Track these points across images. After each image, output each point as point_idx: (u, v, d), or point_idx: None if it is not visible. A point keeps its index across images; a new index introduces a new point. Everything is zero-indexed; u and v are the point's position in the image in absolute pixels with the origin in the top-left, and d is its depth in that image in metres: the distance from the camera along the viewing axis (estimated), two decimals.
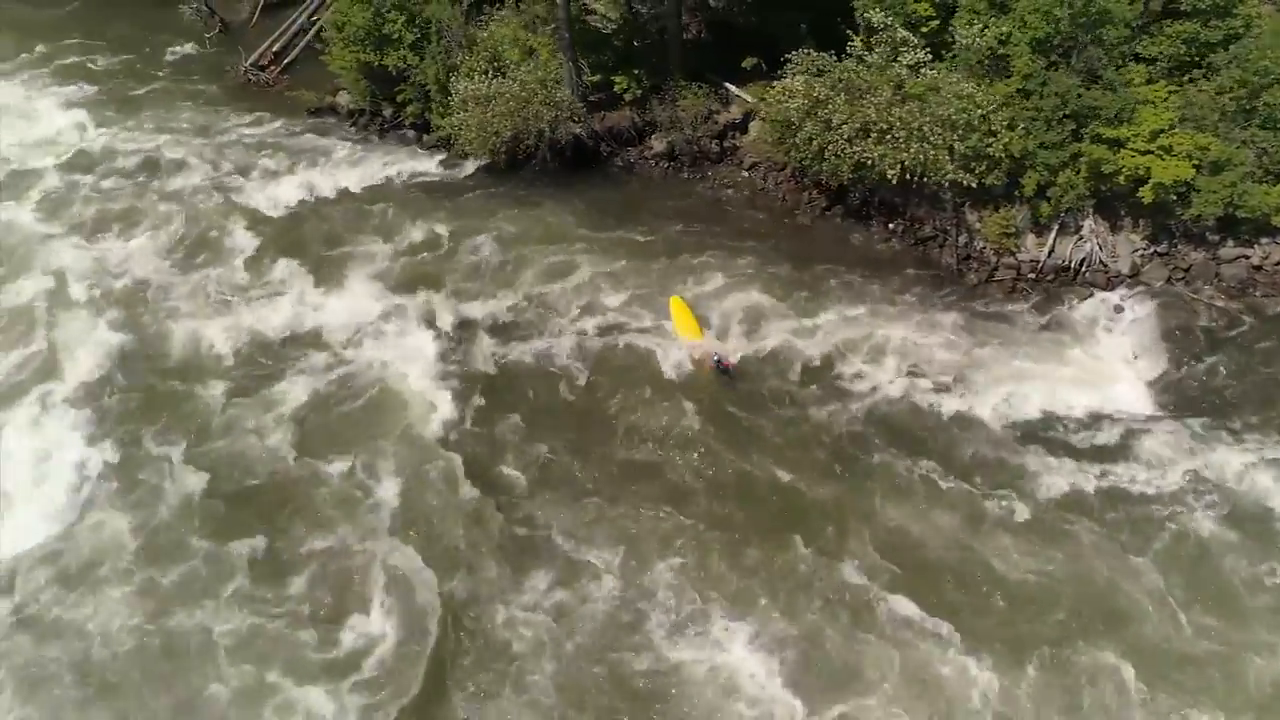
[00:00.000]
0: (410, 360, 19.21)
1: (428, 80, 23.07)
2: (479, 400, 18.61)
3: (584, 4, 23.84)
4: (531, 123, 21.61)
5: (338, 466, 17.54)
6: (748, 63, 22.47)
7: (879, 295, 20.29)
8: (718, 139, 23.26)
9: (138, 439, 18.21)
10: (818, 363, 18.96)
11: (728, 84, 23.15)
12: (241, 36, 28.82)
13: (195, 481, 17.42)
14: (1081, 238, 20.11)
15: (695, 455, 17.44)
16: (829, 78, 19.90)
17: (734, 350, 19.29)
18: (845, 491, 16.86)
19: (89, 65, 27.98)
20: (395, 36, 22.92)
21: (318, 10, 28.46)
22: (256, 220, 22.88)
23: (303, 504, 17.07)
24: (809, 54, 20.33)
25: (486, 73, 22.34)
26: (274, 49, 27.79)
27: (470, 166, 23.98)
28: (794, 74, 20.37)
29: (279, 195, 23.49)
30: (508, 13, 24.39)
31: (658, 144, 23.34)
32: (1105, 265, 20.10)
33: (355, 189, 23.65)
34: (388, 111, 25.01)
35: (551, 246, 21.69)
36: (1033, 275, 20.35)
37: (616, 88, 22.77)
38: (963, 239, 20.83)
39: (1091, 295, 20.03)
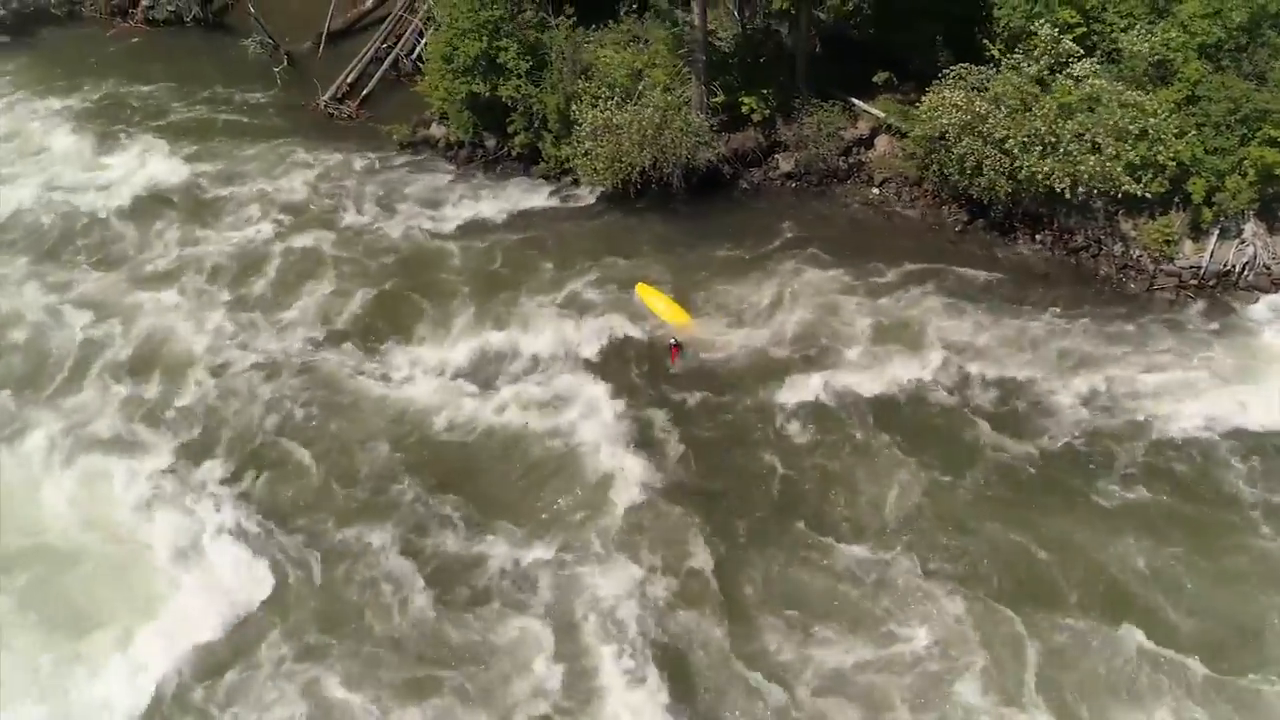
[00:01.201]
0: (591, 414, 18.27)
1: (546, 110, 22.14)
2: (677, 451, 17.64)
3: (692, 22, 23.06)
4: (670, 150, 20.87)
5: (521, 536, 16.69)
6: (879, 77, 21.97)
7: (1044, 309, 19.92)
8: (843, 155, 22.75)
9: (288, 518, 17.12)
10: (1003, 384, 18.41)
11: (853, 99, 22.64)
12: (310, 69, 27.37)
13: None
14: (1244, 241, 19.99)
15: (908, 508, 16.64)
16: (990, 91, 19.49)
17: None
18: (1087, 539, 16.04)
19: (157, 105, 26.30)
20: (509, 66, 21.98)
21: (388, 38, 27.29)
22: (379, 262, 21.62)
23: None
24: (966, 68, 19.92)
25: (610, 99, 21.60)
26: (349, 80, 26.56)
27: (588, 197, 23.05)
28: (947, 88, 19.94)
29: (391, 236, 22.32)
30: (614, 35, 23.62)
31: (785, 163, 22.72)
32: (1268, 268, 20.04)
33: (471, 225, 22.62)
34: (491, 142, 23.93)
35: (695, 276, 20.84)
36: (1194, 282, 20.24)
37: (743, 108, 22.09)
38: (1118, 248, 20.63)
39: (1258, 300, 19.96)
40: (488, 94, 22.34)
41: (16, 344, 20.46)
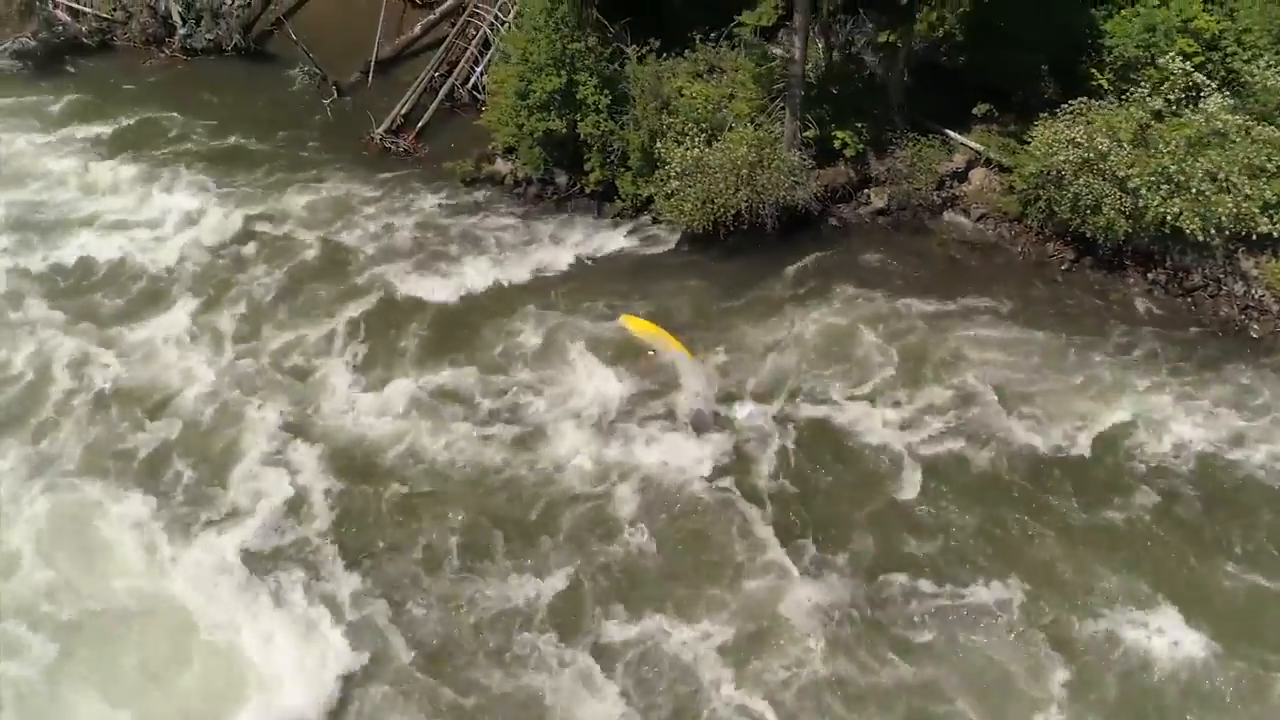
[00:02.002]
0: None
1: (629, 147, 21.00)
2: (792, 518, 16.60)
3: (770, 50, 21.97)
4: (767, 190, 19.79)
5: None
6: (979, 109, 20.94)
7: (1166, 356, 18.89)
8: (936, 189, 21.75)
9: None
10: (1127, 436, 17.44)
11: (948, 131, 21.63)
12: (360, 99, 26.07)
13: None
14: None
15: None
16: (1104, 123, 18.50)
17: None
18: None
19: (201, 142, 24.86)
20: (589, 102, 20.82)
21: (441, 67, 26.07)
22: (465, 314, 20.38)
23: None
24: (1084, 103, 18.92)
25: (697, 135, 20.47)
26: (403, 112, 25.34)
27: (670, 237, 21.77)
28: (1063, 123, 18.93)
29: (468, 279, 20.92)
30: (689, 64, 22.47)
31: (876, 199, 21.67)
32: None
33: (554, 269, 21.32)
34: (561, 179, 22.78)
35: (795, 317, 19.79)
36: None
37: (835, 143, 21.04)
38: (1239, 287, 19.67)
39: None
40: (565, 131, 21.30)
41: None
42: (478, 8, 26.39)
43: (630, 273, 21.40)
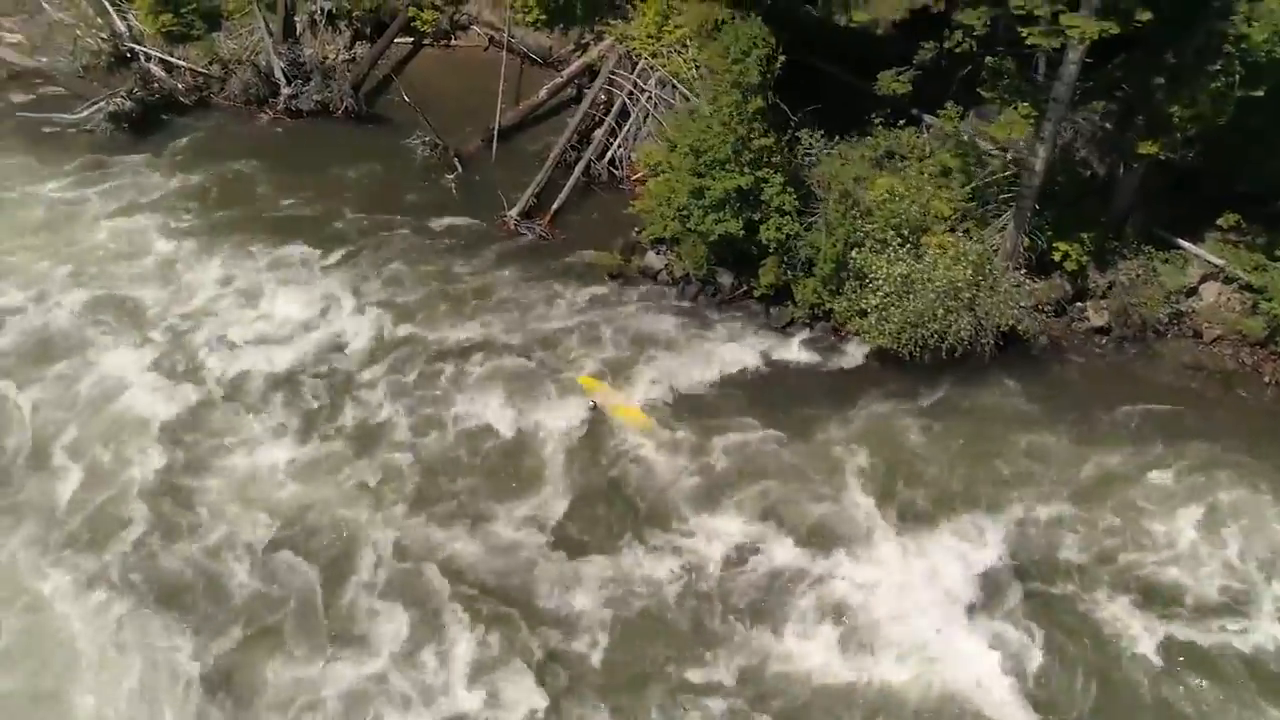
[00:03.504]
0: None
1: (818, 254, 18.46)
2: None
3: (978, 143, 19.38)
4: (991, 316, 17.29)
5: None
6: (1226, 220, 18.25)
7: None
8: (1164, 305, 19.16)
9: None
10: None
11: (1182, 241, 19.03)
12: (483, 172, 23.45)
13: None
14: None
15: None
16: None
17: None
18: None
19: (315, 219, 22.37)
20: (773, 203, 18.37)
21: (579, 143, 23.56)
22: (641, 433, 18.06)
23: None
24: None
25: (899, 244, 18.01)
26: (536, 192, 22.94)
27: (854, 352, 19.25)
28: None
29: (635, 388, 18.72)
30: (863, 149, 19.86)
31: (1095, 315, 19.06)
32: None
33: (722, 379, 18.91)
34: (726, 280, 20.27)
35: (1012, 464, 17.34)
36: None
37: (1056, 255, 18.49)
38: None
39: None
40: (741, 233, 18.87)
41: None
42: (614, 73, 23.86)
43: (817, 392, 18.85)
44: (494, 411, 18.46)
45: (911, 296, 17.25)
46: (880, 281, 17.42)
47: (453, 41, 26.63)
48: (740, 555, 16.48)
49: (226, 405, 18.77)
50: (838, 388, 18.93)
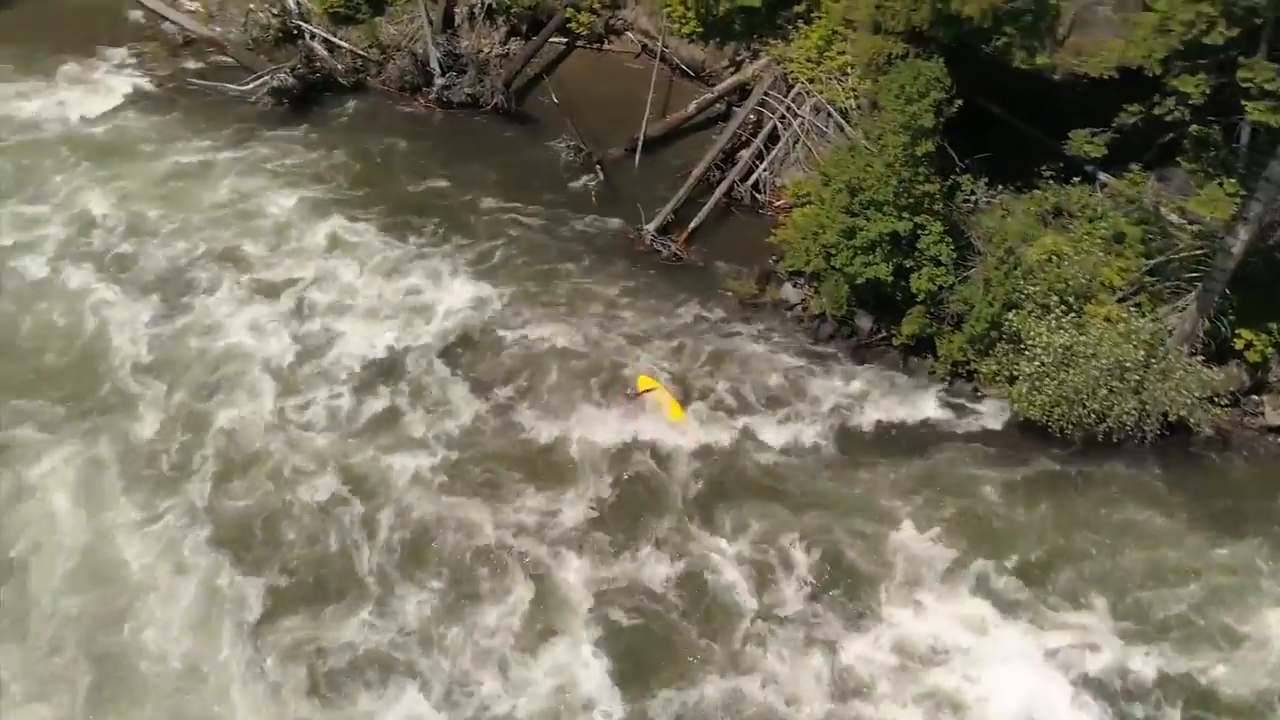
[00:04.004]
0: None
1: (971, 311, 17.42)
2: None
3: (1162, 213, 17.97)
4: (1159, 403, 16.05)
5: None
6: None
7: None
8: None
9: None
10: None
11: None
12: (624, 181, 23.16)
13: None
14: None
15: None
16: None
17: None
18: None
19: (456, 210, 22.32)
20: (929, 252, 17.51)
21: (723, 163, 22.96)
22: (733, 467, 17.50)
23: None
24: None
25: (1062, 312, 16.82)
26: (675, 209, 22.50)
27: (993, 417, 18.11)
28: None
29: (756, 428, 17.97)
30: (1029, 203, 18.64)
31: (1273, 412, 17.46)
32: None
33: (850, 430, 18.11)
34: (865, 323, 19.37)
35: (1152, 557, 16.00)
36: None
37: (1236, 342, 17.02)
38: None
39: None
40: (890, 279, 18.05)
41: None
42: (768, 95, 23.18)
43: (948, 453, 17.81)
44: (586, 423, 18.14)
45: (1071, 370, 16.05)
46: (1038, 350, 16.28)
47: (605, 46, 26.56)
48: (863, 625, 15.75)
49: (313, 365, 19.24)
50: (971, 452, 17.84)
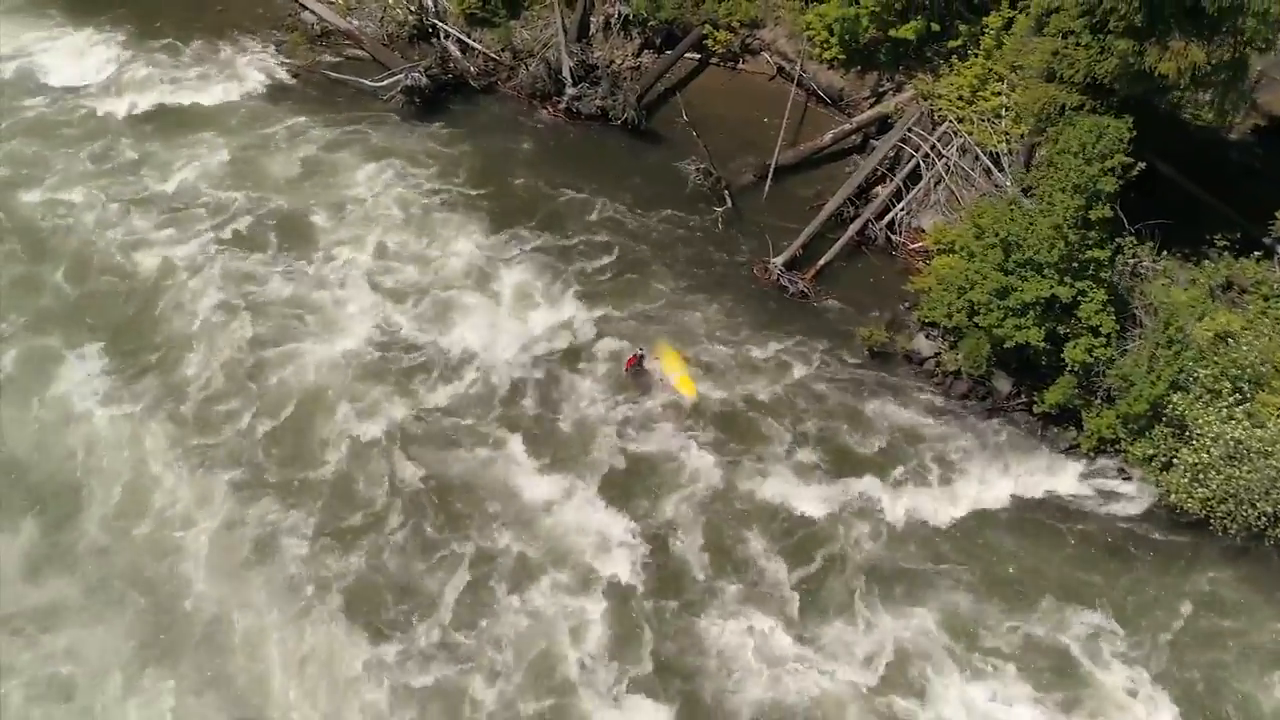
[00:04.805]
0: None
1: (1134, 390, 16.02)
2: None
3: None
4: None
5: None
6: None
7: None
8: None
9: None
10: None
11: None
12: (752, 208, 22.43)
13: None
14: None
15: None
16: None
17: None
18: None
19: (562, 215, 22.09)
20: (1088, 320, 16.30)
21: (856, 198, 21.97)
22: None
23: None
24: None
25: (1234, 400, 15.49)
26: (803, 244, 21.66)
27: (1137, 496, 16.91)
28: None
29: (875, 492, 17.18)
30: (1197, 274, 17.34)
31: None
32: None
33: (980, 500, 17.13)
34: (1003, 385, 18.29)
35: None
36: None
37: None
38: None
39: None
40: (1043, 345, 16.94)
41: None
42: (911, 131, 22.23)
43: (1085, 535, 16.70)
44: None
45: (1243, 466, 14.81)
46: (1206, 440, 15.07)
47: (738, 65, 25.90)
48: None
49: (399, 346, 19.56)
50: (1111, 537, 16.71)
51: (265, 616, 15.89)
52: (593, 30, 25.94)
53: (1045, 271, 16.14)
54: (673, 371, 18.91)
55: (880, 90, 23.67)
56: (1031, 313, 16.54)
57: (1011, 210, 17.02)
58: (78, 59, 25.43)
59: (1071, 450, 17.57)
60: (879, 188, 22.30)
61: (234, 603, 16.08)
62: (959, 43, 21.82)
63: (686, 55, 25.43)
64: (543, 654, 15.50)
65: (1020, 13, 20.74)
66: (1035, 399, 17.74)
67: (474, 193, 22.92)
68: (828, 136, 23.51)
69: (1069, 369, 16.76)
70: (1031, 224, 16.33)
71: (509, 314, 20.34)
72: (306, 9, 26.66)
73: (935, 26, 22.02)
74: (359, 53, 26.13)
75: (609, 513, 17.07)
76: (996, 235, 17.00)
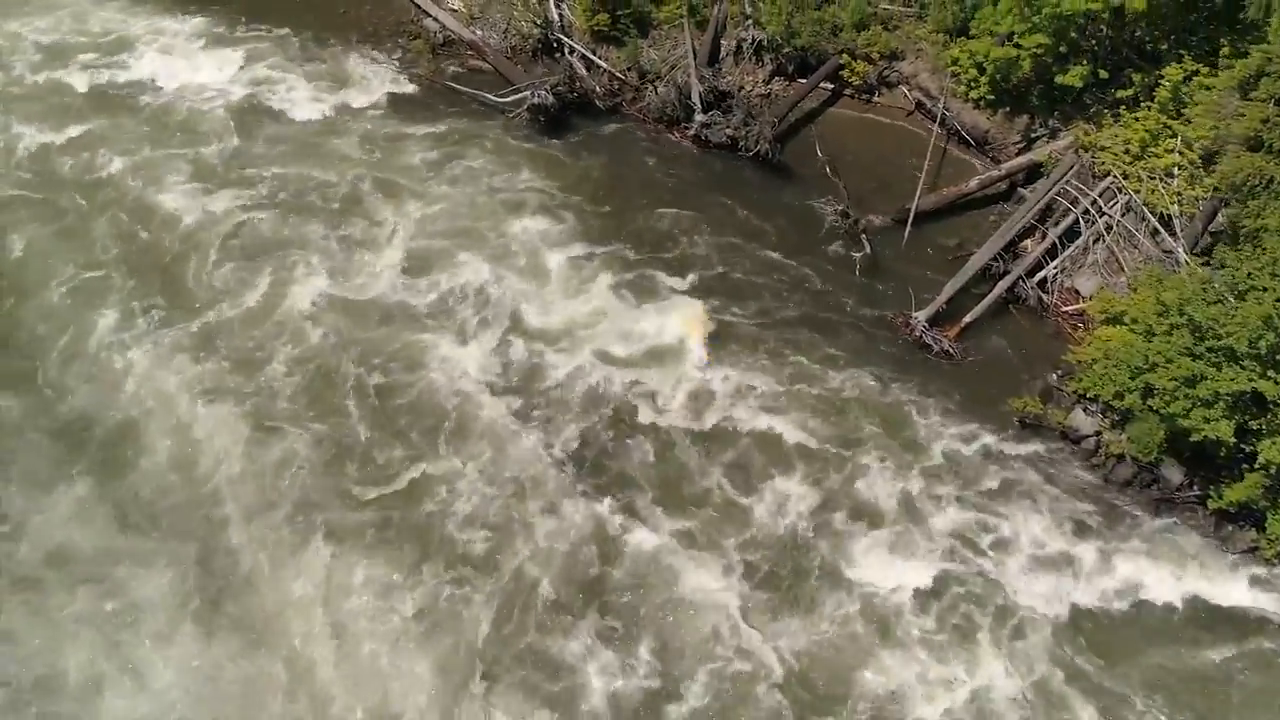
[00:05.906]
0: None
1: None
2: None
3: None
4: None
5: None
6: None
7: None
8: None
9: None
10: None
11: None
12: (892, 255, 21.21)
13: None
14: None
15: None
16: None
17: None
18: None
19: (682, 253, 21.09)
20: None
21: (1004, 251, 20.65)
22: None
23: None
24: None
25: None
26: (947, 299, 20.45)
27: None
28: None
29: (1026, 593, 16.00)
30: None
31: None
32: None
33: (1138, 599, 15.94)
34: (1174, 475, 17.04)
35: None
36: None
37: None
38: None
39: None
40: (1230, 439, 15.57)
41: None
42: (1069, 185, 20.89)
43: (1252, 647, 15.46)
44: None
45: None
46: None
47: (873, 98, 24.70)
48: None
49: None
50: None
51: None
52: (723, 53, 25.02)
53: (1245, 363, 14.81)
54: (694, 333, 19.78)
55: (1032, 135, 22.25)
56: (1222, 403, 15.25)
57: (1205, 290, 15.69)
58: (195, 56, 25.06)
59: (1250, 552, 16.21)
60: (1027, 241, 21.06)
61: None
62: (1130, 92, 20.34)
63: (820, 85, 24.48)
64: None
65: (1204, 66, 19.32)
66: (1210, 493, 16.42)
67: (598, 211, 22.02)
68: (974, 182, 22.13)
69: (1258, 466, 15.43)
70: (1232, 311, 15.00)
71: (614, 331, 19.70)
72: (429, 15, 26.18)
73: (1103, 74, 20.66)
74: (480, 64, 25.51)
75: None
76: (1183, 315, 15.71)
